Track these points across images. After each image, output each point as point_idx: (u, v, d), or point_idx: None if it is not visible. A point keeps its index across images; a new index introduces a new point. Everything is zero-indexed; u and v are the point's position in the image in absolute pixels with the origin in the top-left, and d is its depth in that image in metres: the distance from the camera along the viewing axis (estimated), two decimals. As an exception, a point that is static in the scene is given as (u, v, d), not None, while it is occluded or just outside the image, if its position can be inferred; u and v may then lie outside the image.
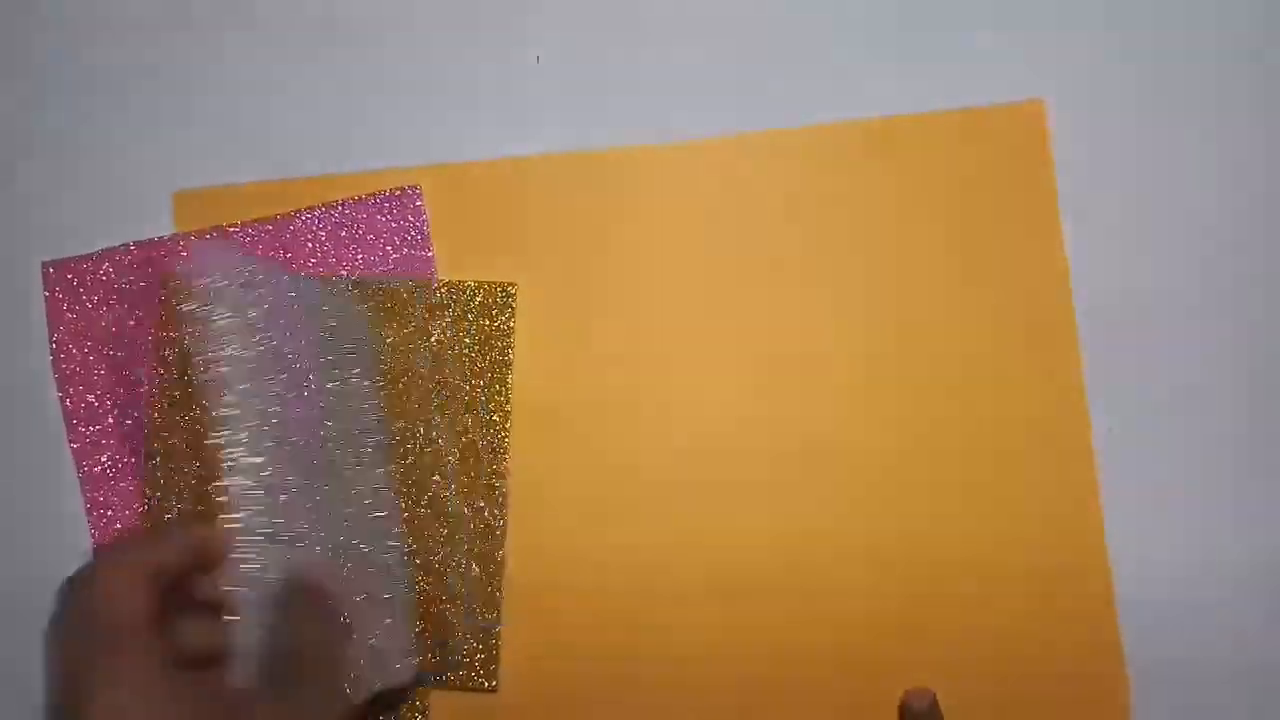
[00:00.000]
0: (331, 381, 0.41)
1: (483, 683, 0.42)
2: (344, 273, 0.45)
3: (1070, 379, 0.42)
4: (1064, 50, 0.43)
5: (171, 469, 0.44)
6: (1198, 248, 0.42)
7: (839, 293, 0.43)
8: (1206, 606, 0.41)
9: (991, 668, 0.41)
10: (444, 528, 0.43)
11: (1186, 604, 0.41)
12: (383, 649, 0.39)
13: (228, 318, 0.37)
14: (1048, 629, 0.41)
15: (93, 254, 0.46)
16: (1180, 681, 0.40)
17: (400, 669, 0.40)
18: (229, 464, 0.36)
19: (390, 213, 0.45)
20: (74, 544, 0.45)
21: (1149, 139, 0.43)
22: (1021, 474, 0.41)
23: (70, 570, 0.44)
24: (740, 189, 0.44)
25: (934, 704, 0.39)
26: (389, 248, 0.45)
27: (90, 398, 0.45)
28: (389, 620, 0.40)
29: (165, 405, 0.45)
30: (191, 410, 0.44)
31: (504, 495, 0.43)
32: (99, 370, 0.45)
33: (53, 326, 0.46)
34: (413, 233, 0.45)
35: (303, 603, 0.36)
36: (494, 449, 0.43)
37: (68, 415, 0.45)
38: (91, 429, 0.45)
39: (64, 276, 0.46)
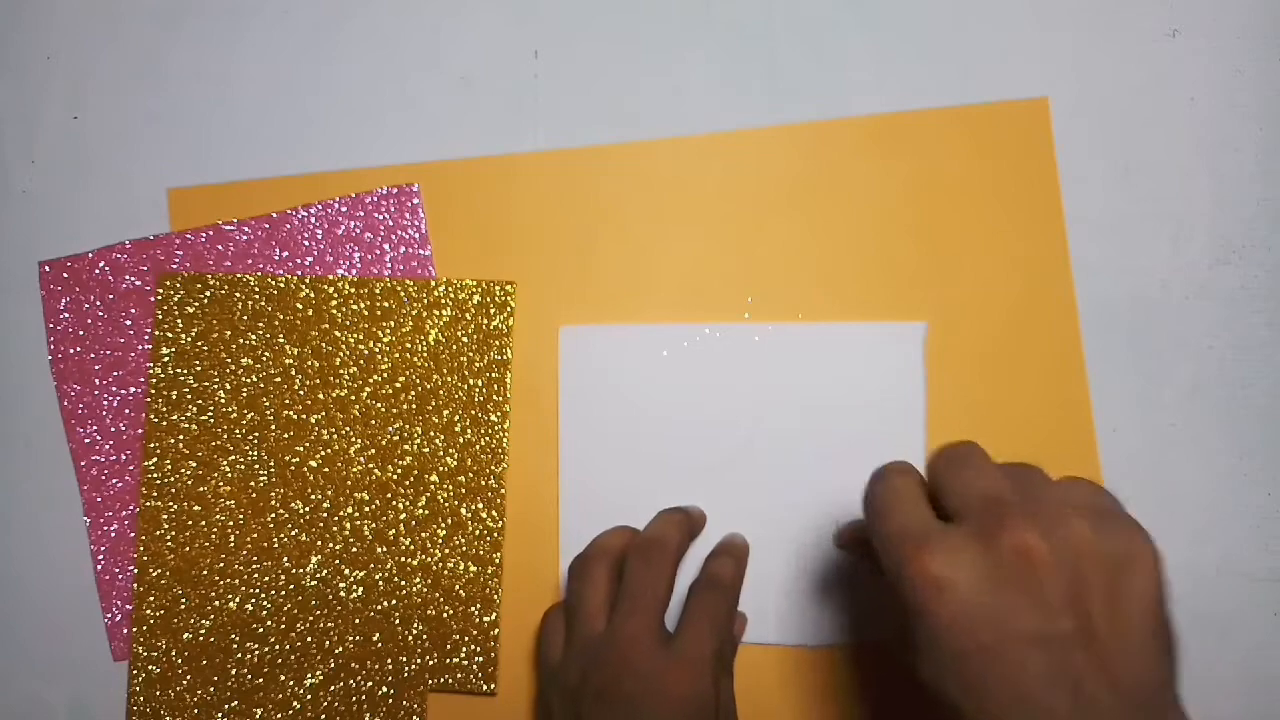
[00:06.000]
0: None
1: (481, 685, 0.42)
2: (341, 271, 0.45)
3: (1074, 378, 0.41)
4: (1068, 49, 0.43)
5: (170, 468, 0.44)
6: (1200, 247, 0.42)
7: (842, 290, 0.43)
8: (1211, 607, 0.40)
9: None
10: (442, 529, 0.43)
11: (1191, 604, 0.40)
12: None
13: None
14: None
15: (89, 252, 0.46)
16: (1184, 681, 0.40)
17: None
18: None
19: (388, 211, 0.45)
20: (73, 543, 0.45)
21: (1152, 138, 0.42)
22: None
23: (64, 569, 0.45)
24: (743, 185, 0.44)
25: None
26: (387, 246, 0.45)
27: (88, 397, 0.45)
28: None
29: (164, 405, 0.44)
30: (190, 410, 0.44)
31: (502, 496, 0.43)
32: (96, 369, 0.45)
33: (50, 325, 0.46)
34: (411, 231, 0.45)
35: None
36: (492, 449, 0.43)
37: (66, 414, 0.45)
38: (89, 428, 0.45)
39: (60, 275, 0.46)
